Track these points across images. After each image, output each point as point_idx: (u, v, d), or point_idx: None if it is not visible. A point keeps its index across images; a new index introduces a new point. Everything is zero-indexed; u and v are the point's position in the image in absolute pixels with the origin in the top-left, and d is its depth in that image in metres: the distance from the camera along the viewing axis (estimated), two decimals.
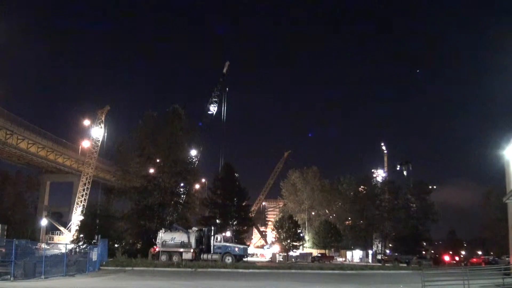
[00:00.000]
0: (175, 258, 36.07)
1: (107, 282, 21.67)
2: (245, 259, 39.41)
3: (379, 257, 61.39)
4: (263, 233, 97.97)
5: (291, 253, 59.31)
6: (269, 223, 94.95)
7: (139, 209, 42.88)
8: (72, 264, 25.41)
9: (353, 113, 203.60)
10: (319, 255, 59.44)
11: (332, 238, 62.87)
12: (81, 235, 42.98)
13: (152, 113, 46.67)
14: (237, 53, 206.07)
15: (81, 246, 36.05)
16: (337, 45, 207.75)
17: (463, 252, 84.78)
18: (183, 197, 48.08)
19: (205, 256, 37.58)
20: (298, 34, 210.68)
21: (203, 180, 72.38)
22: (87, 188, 63.64)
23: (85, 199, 62.77)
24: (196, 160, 56.01)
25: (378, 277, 28.41)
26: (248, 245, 63.15)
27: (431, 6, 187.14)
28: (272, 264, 43.20)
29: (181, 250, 37.19)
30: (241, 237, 56.01)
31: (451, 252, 75.99)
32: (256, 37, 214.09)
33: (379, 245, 73.17)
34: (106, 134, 63.98)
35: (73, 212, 62.80)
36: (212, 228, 42.01)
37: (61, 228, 66.14)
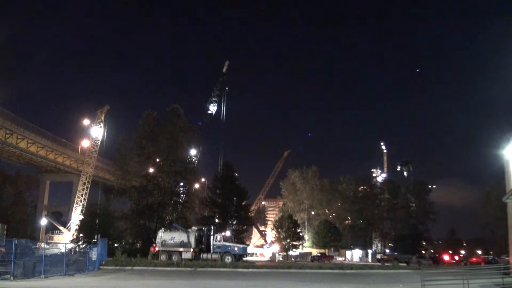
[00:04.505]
0: (174, 258, 36.04)
1: (107, 282, 21.65)
2: (244, 259, 39.45)
3: (378, 256, 61.39)
4: (263, 232, 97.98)
5: (290, 252, 59.29)
6: (269, 222, 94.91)
7: (139, 208, 42.85)
8: (71, 263, 25.36)
9: (353, 113, 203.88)
10: (319, 254, 59.44)
11: (332, 237, 62.88)
12: (81, 235, 42.94)
13: (152, 113, 46.65)
14: (237, 53, 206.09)
15: (81, 246, 36.08)
16: (337, 45, 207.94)
17: (462, 252, 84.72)
18: (182, 197, 48.06)
19: (204, 255, 37.57)
20: (298, 33, 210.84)
21: (203, 179, 72.36)
22: (87, 187, 63.60)
23: (84, 199, 62.73)
24: (195, 160, 55.99)
25: (377, 276, 28.38)
26: (248, 245, 63.07)
27: (432, 6, 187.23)
28: (271, 264, 43.19)
29: (181, 249, 37.17)
30: (240, 236, 55.95)
31: (450, 252, 75.94)
32: (256, 37, 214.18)
33: (379, 245, 73.22)
34: (105, 134, 63.96)
35: (73, 212, 62.75)
36: (212, 227, 41.99)
37: (61, 228, 66.11)
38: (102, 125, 63.66)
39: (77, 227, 49.70)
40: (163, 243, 37.78)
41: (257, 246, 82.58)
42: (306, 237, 68.96)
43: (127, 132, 49.89)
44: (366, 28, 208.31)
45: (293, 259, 56.81)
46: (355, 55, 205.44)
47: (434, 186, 76.49)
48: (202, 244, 39.20)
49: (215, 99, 64.89)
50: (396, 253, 59.31)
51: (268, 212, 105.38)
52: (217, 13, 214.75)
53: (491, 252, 66.69)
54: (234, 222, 53.60)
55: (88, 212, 47.86)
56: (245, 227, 59.03)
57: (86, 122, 64.24)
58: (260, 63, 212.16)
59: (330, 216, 75.33)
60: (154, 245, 38.86)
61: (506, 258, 38.76)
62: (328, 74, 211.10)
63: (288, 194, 79.77)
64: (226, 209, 52.47)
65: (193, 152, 55.29)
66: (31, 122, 58.63)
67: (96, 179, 67.60)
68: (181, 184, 47.58)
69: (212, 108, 64.55)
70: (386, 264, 45.95)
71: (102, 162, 67.69)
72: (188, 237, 38.10)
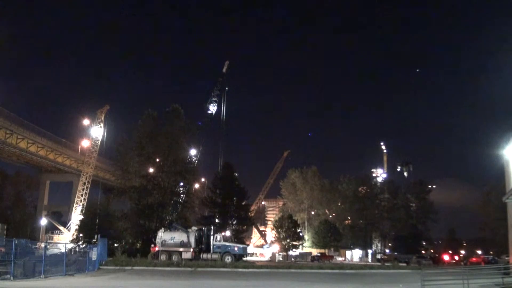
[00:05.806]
0: (174, 258, 36.03)
1: (107, 282, 21.65)
2: (244, 259, 39.42)
3: (378, 256, 61.42)
4: (263, 232, 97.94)
5: (290, 252, 59.30)
6: (269, 222, 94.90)
7: (139, 208, 42.86)
8: (71, 263, 25.35)
9: (353, 113, 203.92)
10: (319, 254, 59.46)
11: (332, 237, 62.90)
12: (81, 235, 42.98)
13: (151, 113, 46.64)
14: (237, 53, 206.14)
15: (81, 246, 36.05)
16: (337, 45, 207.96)
17: (462, 252, 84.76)
18: (182, 197, 48.08)
19: (204, 255, 37.55)
20: (297, 34, 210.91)
21: (203, 179, 72.39)
22: (87, 187, 63.54)
23: (84, 199, 62.67)
24: (195, 160, 55.98)
25: (377, 276, 28.38)
26: (248, 245, 63.10)
27: (431, 6, 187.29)
28: (271, 264, 43.16)
29: (181, 249, 37.15)
30: (240, 236, 55.95)
31: (450, 252, 75.97)
32: (256, 37, 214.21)
33: (379, 245, 73.27)
34: (105, 134, 63.91)
35: (73, 212, 62.70)
36: (212, 227, 41.98)
37: (61, 228, 66.05)
38: (102, 125, 63.57)
39: (77, 227, 49.72)
40: (163, 243, 37.76)
41: (257, 246, 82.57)
42: (306, 237, 68.94)
43: (127, 132, 49.87)
44: (366, 28, 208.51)
45: (293, 259, 56.82)
46: (355, 55, 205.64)
47: (434, 186, 76.60)
48: (202, 244, 39.17)
49: (215, 99, 64.88)
50: (396, 253, 59.34)
51: (268, 212, 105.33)
52: (218, 13, 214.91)
53: (491, 252, 66.68)
54: (234, 222, 53.63)
55: (88, 212, 47.88)
56: (245, 227, 59.06)
57: (86, 122, 64.15)
58: (260, 63, 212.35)
59: (330, 216, 75.30)
60: (154, 245, 38.85)
61: (506, 258, 38.74)
62: (328, 74, 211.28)
63: (288, 194, 79.76)
64: (226, 209, 52.49)
65: (193, 152, 55.27)
66: (31, 122, 58.67)
67: (96, 179, 67.48)
68: (181, 184, 47.60)
69: (212, 108, 64.54)
70: (386, 264, 45.98)
71: (102, 162, 67.58)
72: (188, 237, 38.07)
